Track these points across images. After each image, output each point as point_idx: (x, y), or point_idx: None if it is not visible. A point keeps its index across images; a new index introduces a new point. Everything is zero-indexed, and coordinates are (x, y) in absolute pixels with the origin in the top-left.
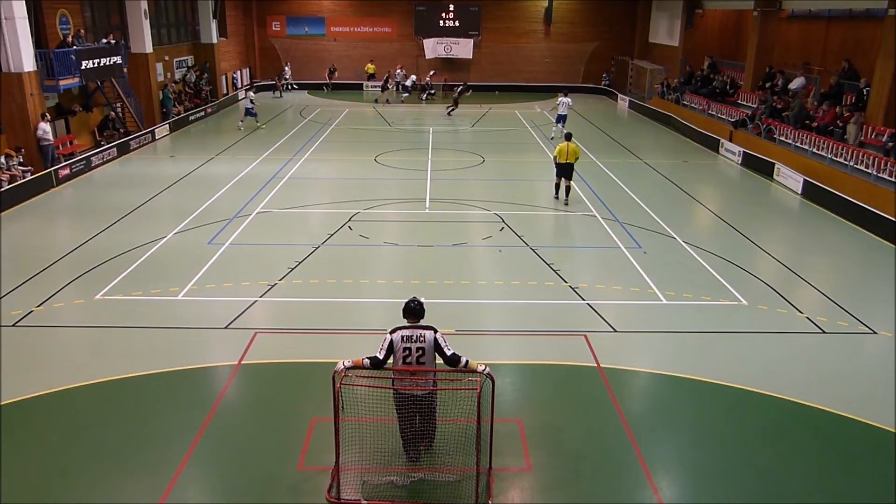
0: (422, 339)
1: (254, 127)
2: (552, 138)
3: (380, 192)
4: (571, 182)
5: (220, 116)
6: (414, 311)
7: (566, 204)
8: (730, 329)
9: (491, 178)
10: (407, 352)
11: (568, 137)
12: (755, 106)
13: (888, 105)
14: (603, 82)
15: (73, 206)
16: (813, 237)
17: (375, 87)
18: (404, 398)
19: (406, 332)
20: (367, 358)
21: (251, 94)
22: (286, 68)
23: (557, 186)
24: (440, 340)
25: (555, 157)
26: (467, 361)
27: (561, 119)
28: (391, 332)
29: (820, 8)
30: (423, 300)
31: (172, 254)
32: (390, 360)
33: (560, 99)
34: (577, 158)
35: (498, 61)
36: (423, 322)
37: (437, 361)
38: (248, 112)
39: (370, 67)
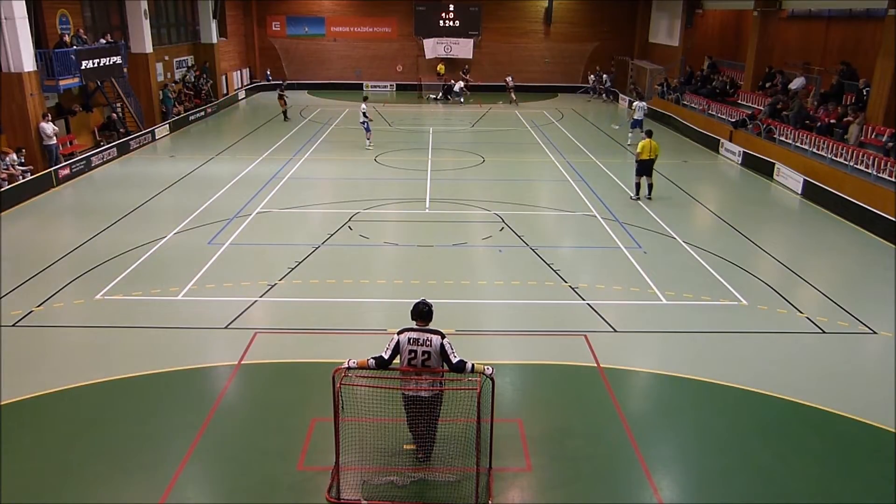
0: (428, 343)
1: (364, 144)
2: (629, 144)
3: (380, 192)
4: (652, 179)
5: (220, 116)
6: (422, 313)
7: (650, 199)
8: (730, 329)
9: (491, 178)
10: (412, 354)
11: (649, 134)
12: (756, 106)
13: (888, 105)
14: (606, 83)
15: (73, 206)
16: (813, 237)
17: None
18: (407, 400)
19: (413, 335)
20: (373, 358)
21: (364, 105)
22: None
23: (638, 186)
24: (447, 347)
25: (637, 154)
26: (472, 366)
27: (637, 124)
28: (399, 333)
29: (820, 8)
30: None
31: (172, 254)
32: (396, 361)
33: (636, 103)
34: (657, 155)
35: (498, 61)
36: (431, 325)
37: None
38: (365, 127)
39: (441, 68)
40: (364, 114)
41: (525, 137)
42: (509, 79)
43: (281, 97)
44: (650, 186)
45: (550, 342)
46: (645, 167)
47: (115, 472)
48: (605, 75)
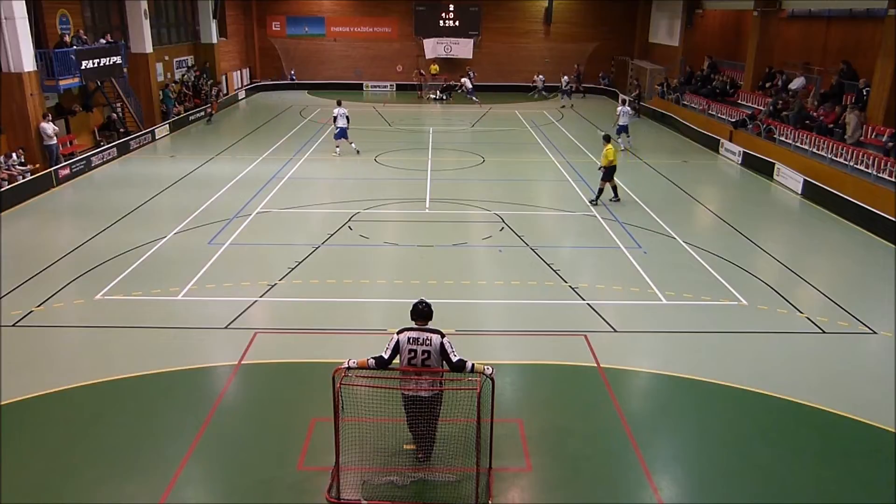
0: (428, 342)
1: (348, 150)
2: (623, 150)
3: (380, 192)
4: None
5: (220, 116)
6: (422, 313)
7: (618, 200)
8: (730, 329)
9: (491, 178)
10: (412, 354)
11: (608, 139)
12: (756, 106)
13: (888, 105)
14: (602, 82)
15: (73, 206)
16: (813, 237)
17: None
18: (407, 399)
19: (413, 335)
20: (373, 358)
21: (341, 110)
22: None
23: (601, 191)
24: (447, 346)
25: (611, 161)
26: (473, 366)
27: (623, 129)
28: (398, 333)
29: (820, 8)
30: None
31: (172, 254)
32: (396, 361)
33: (620, 108)
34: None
35: (498, 61)
36: (430, 325)
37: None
38: (342, 133)
39: (434, 68)
40: (347, 118)
41: (525, 137)
42: (466, 80)
43: (215, 100)
44: (615, 189)
45: (550, 342)
46: (612, 173)
47: (115, 472)
48: (564, 77)
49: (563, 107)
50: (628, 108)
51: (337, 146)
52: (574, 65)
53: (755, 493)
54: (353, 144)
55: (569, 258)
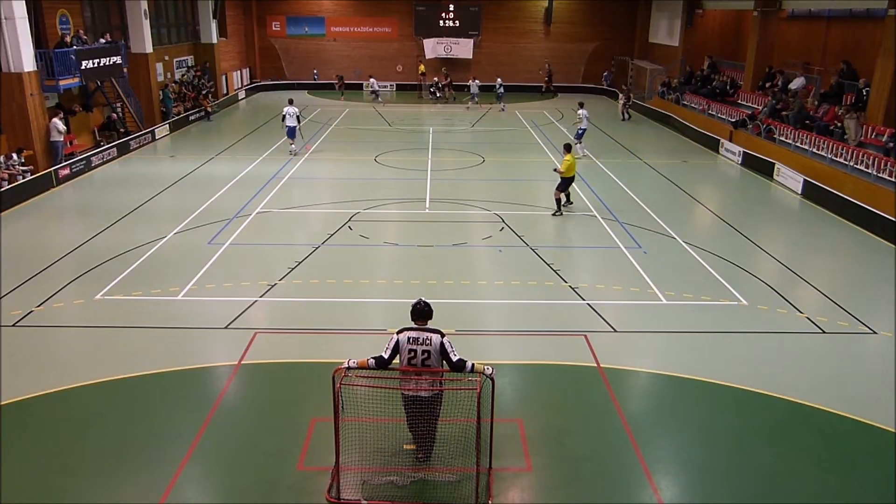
0: (428, 342)
1: (298, 148)
2: (580, 157)
3: (380, 192)
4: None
5: (220, 116)
6: (422, 312)
7: (571, 203)
8: (730, 329)
9: (491, 178)
10: (412, 353)
11: (568, 149)
12: (756, 106)
13: (888, 105)
14: (605, 82)
15: (73, 206)
16: (813, 237)
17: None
18: (407, 400)
19: (413, 334)
20: (373, 358)
21: (292, 109)
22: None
23: (559, 201)
24: (447, 345)
25: (565, 171)
26: (473, 365)
27: (581, 134)
28: (398, 333)
29: (820, 8)
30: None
31: (172, 254)
32: (396, 361)
33: (580, 112)
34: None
35: (498, 61)
36: (430, 324)
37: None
38: (291, 132)
39: (421, 68)
40: (298, 117)
41: (525, 137)
42: (373, 80)
43: (206, 97)
44: (568, 199)
45: (550, 342)
46: (567, 183)
47: (115, 472)
48: (498, 79)
49: (503, 110)
50: (586, 112)
51: (291, 143)
52: (545, 64)
53: (755, 493)
54: (293, 146)
55: (569, 258)
